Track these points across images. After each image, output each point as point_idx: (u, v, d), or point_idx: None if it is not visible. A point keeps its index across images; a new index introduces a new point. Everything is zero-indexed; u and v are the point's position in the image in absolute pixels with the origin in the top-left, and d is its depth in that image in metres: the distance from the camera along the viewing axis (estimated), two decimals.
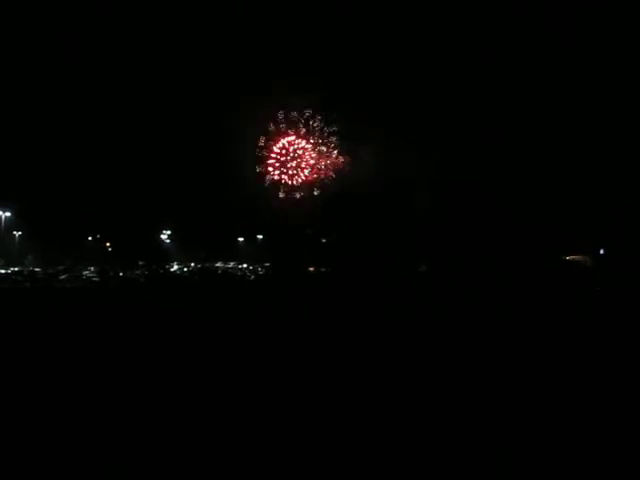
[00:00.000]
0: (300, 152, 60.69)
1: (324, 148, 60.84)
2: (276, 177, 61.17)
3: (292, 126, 60.80)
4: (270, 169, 60.79)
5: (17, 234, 72.86)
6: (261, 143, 59.32)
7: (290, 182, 60.89)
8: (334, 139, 60.68)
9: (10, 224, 70.18)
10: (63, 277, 57.71)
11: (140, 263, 68.35)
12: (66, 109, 70.39)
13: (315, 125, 59.94)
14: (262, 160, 59.95)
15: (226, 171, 65.10)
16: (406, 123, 53.66)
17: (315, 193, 59.47)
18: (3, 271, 60.51)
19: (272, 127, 60.49)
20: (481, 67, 54.55)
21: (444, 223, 48.65)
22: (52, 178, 68.20)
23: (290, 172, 61.52)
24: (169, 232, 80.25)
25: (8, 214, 68.80)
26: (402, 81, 58.10)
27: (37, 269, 63.10)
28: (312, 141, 60.24)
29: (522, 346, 14.09)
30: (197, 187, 69.74)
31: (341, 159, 60.26)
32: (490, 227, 47.70)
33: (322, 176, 61.45)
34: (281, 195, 60.46)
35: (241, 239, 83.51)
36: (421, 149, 51.84)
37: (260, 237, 79.62)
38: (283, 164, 60.64)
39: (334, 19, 68.12)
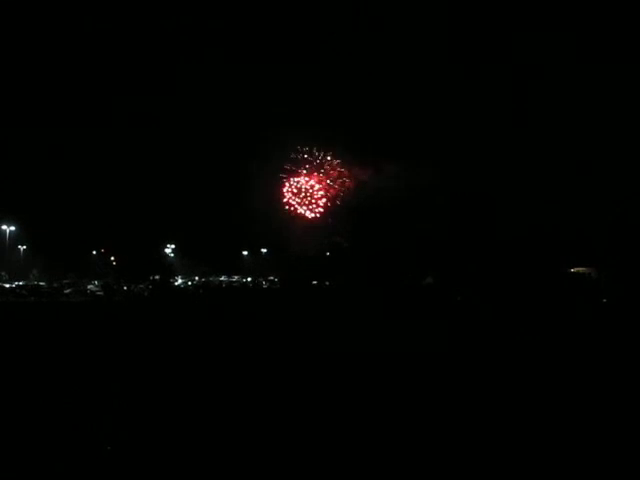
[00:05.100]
0: (310, 189, 63.53)
1: (330, 182, 63.68)
2: (298, 211, 64.20)
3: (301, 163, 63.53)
4: (290, 206, 63.88)
5: (22, 248, 73.07)
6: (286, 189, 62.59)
7: (312, 214, 63.86)
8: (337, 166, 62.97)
9: (15, 238, 70.44)
10: (68, 291, 57.71)
11: (151, 278, 68.43)
12: (73, 125, 71.11)
13: (321, 159, 62.65)
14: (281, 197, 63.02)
15: (231, 185, 65.55)
16: (412, 136, 54.22)
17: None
18: (8, 285, 60.50)
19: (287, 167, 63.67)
20: (487, 81, 54.97)
21: (450, 235, 48.71)
22: (57, 193, 68.68)
23: (310, 206, 64.93)
24: (173, 246, 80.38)
25: (13, 228, 69.03)
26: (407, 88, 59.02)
27: (42, 283, 63.12)
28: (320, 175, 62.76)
29: (529, 359, 14.03)
30: (202, 201, 70.07)
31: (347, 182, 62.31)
32: (495, 239, 47.70)
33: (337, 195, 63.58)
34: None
35: (245, 253, 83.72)
36: (425, 163, 52.20)
37: (264, 251, 79.88)
38: (299, 203, 63.88)
39: (347, 37, 69.22)
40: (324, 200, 62.54)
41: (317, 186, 61.07)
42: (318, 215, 61.91)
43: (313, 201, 62.25)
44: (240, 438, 7.51)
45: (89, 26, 69.57)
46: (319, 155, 62.28)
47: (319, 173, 61.92)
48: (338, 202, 61.43)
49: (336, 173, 61.79)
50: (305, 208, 63.02)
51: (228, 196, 66.65)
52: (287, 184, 62.67)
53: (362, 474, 6.24)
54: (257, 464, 6.54)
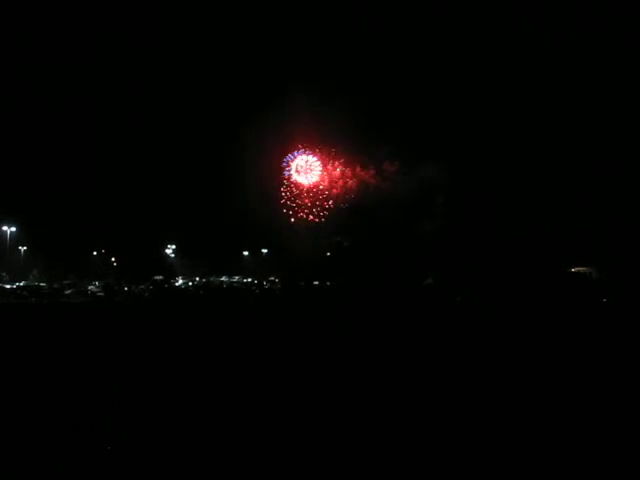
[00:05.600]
0: (314, 189, 63.17)
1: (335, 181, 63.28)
2: (300, 214, 63.70)
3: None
4: (289, 210, 63.45)
5: (22, 249, 72.98)
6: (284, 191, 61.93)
7: (317, 219, 63.39)
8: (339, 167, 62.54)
9: (15, 239, 70.38)
10: (68, 292, 57.66)
11: (154, 278, 68.48)
12: (72, 127, 71.18)
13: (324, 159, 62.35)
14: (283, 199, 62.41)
15: (233, 186, 65.63)
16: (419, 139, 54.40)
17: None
18: (8, 286, 60.38)
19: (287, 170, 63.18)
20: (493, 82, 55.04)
21: (450, 236, 48.73)
22: (57, 193, 68.72)
23: (313, 210, 64.34)
24: (174, 247, 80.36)
25: (13, 229, 68.98)
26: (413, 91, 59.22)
27: (42, 284, 63.01)
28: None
29: (530, 359, 14.03)
30: (202, 202, 70.10)
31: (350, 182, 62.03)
32: (495, 239, 47.72)
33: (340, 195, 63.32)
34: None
35: (246, 253, 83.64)
36: (426, 163, 52.32)
37: (265, 251, 79.80)
38: (300, 204, 63.36)
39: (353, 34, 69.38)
40: (330, 202, 62.15)
41: (320, 186, 60.72)
42: (323, 220, 61.56)
43: (317, 203, 61.92)
44: (239, 439, 7.52)
45: (75, 23, 69.67)
46: (322, 155, 62.25)
47: (322, 173, 61.74)
48: (340, 202, 61.21)
49: (339, 173, 61.63)
50: (307, 212, 62.55)
51: (228, 196, 66.72)
52: (285, 183, 62.20)
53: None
54: (257, 466, 6.56)
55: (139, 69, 76.85)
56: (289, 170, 61.57)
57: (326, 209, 61.81)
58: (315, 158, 61.38)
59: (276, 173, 63.31)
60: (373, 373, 12.20)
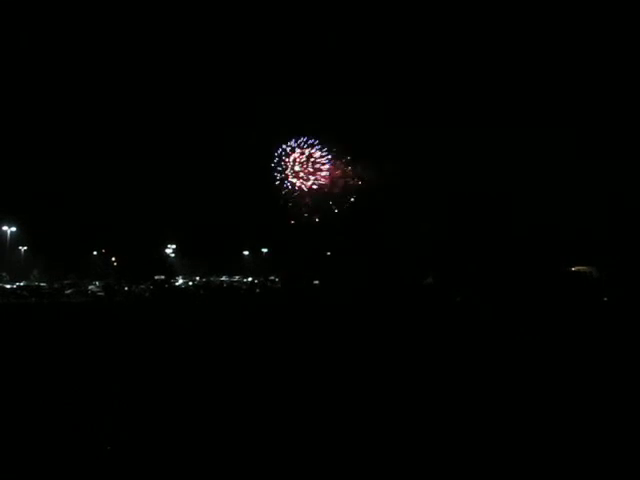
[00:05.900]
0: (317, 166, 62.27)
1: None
2: (298, 184, 62.75)
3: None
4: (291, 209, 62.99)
5: (22, 249, 73.05)
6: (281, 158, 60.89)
7: (318, 220, 62.77)
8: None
9: (16, 239, 70.47)
10: (68, 292, 57.72)
11: (155, 278, 68.57)
12: (73, 126, 71.23)
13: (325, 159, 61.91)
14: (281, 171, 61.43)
15: (233, 185, 65.69)
16: (415, 136, 54.35)
17: (336, 210, 60.86)
18: (8, 286, 60.44)
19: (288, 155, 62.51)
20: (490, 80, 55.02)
21: (450, 235, 48.76)
22: (57, 193, 68.77)
23: (316, 212, 63.75)
24: (174, 246, 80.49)
25: (14, 229, 69.07)
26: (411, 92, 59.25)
27: (43, 284, 63.07)
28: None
29: (530, 359, 14.03)
30: (203, 202, 70.14)
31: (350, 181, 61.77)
32: (495, 238, 47.75)
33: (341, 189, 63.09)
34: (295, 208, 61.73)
35: (246, 253, 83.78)
36: (426, 163, 52.35)
37: (265, 251, 79.91)
38: (301, 208, 62.77)
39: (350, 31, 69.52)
40: (330, 202, 61.94)
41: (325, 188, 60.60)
42: (323, 220, 61.23)
43: (318, 203, 61.68)
44: (240, 439, 7.51)
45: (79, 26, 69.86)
46: (323, 155, 62.18)
47: (327, 174, 61.66)
48: (341, 202, 61.11)
49: (340, 173, 61.54)
50: (307, 212, 62.28)
51: (228, 196, 66.75)
52: (286, 183, 61.96)
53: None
54: (257, 465, 6.56)
55: (138, 69, 76.98)
56: (285, 166, 61.10)
57: (327, 209, 61.57)
58: (319, 153, 60.88)
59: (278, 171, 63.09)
60: (373, 372, 12.20)
